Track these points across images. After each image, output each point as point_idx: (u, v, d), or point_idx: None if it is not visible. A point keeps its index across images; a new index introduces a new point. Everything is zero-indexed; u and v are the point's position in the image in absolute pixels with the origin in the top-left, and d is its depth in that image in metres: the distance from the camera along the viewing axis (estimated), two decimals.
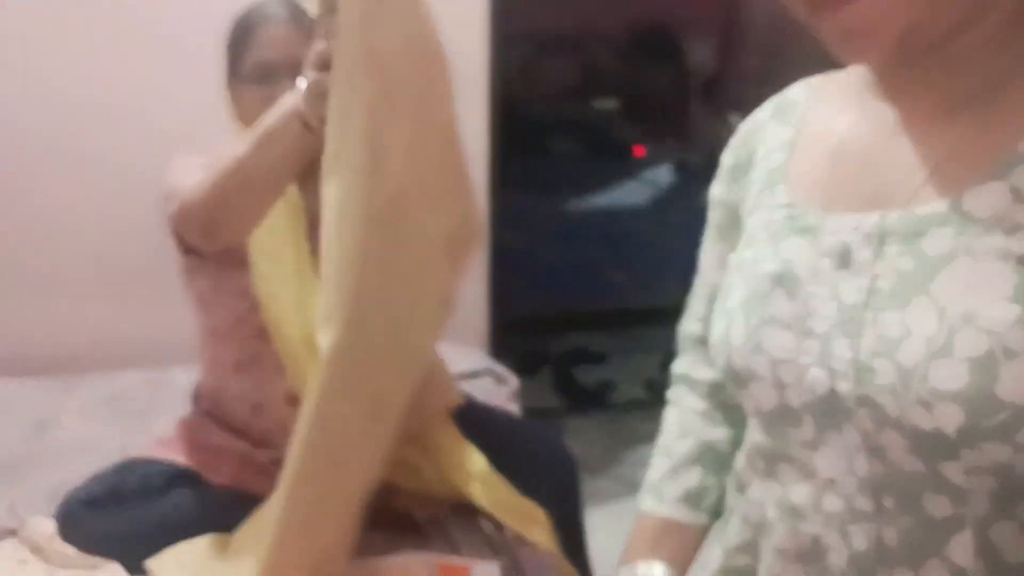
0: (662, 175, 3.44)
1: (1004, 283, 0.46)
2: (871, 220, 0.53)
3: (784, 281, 0.56)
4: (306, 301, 1.15)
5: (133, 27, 1.69)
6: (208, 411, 1.29)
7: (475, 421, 1.33)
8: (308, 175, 1.10)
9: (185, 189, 1.04)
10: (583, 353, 3.09)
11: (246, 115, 1.19)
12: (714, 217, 0.73)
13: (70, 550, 1.07)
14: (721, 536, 0.69)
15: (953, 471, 0.49)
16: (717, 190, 0.71)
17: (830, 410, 0.53)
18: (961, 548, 0.50)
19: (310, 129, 0.91)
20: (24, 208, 1.75)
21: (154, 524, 1.07)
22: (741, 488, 0.66)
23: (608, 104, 3.34)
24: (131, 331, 1.72)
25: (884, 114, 0.56)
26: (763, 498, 0.61)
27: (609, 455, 2.57)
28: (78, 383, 1.70)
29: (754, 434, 0.62)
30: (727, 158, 0.70)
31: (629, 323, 3.30)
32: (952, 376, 0.46)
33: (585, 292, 3.24)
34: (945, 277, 0.48)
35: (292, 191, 1.15)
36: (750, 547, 0.64)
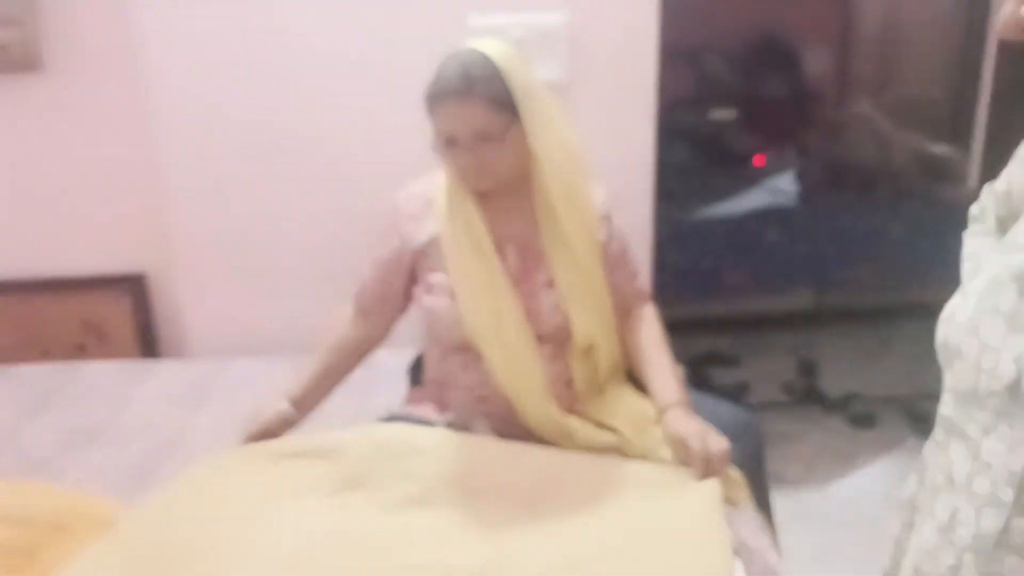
0: (783, 182, 3.48)
1: None
2: None
3: (1022, 279, 0.61)
4: (501, 307, 1.28)
5: (372, 73, 1.94)
6: (433, 397, 1.43)
7: None
8: (489, 203, 1.28)
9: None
10: (716, 356, 3.13)
11: (448, 172, 1.31)
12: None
13: None
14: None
15: None
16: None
17: (1010, 400, 0.58)
18: None
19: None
20: (261, 211, 2.02)
21: None
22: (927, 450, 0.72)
23: (726, 114, 3.41)
24: None
25: None
26: (935, 464, 0.68)
27: None
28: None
29: (945, 408, 0.68)
30: None
31: (759, 327, 3.30)
32: None
33: (713, 296, 3.29)
34: None
35: (475, 220, 1.28)
36: (908, 505, 0.72)
